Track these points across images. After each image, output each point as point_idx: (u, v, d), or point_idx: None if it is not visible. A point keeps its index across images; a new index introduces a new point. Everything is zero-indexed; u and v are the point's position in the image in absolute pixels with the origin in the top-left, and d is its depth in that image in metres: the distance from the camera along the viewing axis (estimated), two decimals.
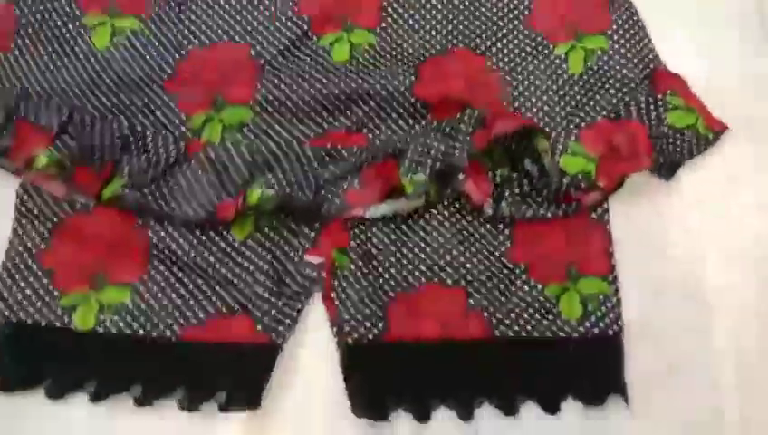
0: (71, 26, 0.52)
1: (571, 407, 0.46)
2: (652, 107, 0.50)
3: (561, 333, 0.47)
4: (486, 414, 0.46)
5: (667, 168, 0.51)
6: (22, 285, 0.46)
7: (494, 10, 0.54)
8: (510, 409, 0.45)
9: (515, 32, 0.54)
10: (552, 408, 0.46)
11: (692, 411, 0.46)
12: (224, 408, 0.43)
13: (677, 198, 0.51)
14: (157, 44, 0.52)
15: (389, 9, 0.54)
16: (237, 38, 0.52)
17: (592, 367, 0.47)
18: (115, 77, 0.51)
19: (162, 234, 0.47)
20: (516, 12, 0.54)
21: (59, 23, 0.52)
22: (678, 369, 0.47)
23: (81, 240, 0.47)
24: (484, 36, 0.53)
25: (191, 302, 0.46)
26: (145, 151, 0.48)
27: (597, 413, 0.46)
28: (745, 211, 0.51)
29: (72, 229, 0.48)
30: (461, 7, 0.54)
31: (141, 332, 0.46)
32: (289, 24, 0.53)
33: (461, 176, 0.46)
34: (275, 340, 0.45)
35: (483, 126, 0.47)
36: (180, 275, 0.47)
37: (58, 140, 0.46)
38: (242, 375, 0.44)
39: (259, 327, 0.45)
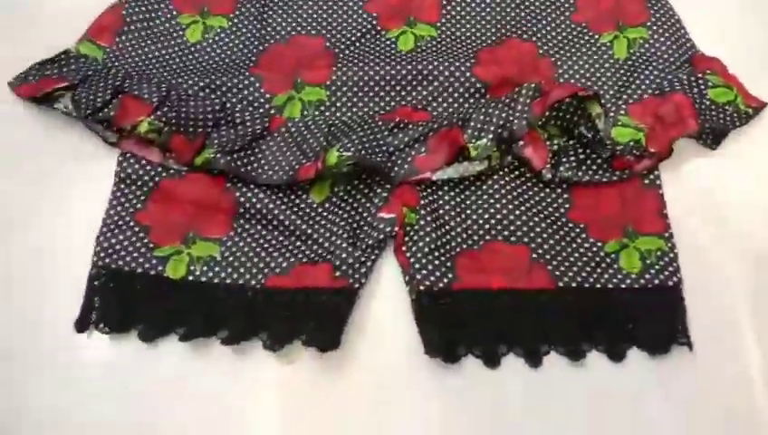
0: (167, 24, 0.59)
1: (635, 355, 0.48)
2: (694, 84, 0.54)
3: (622, 285, 0.49)
4: (553, 361, 0.48)
5: (713, 136, 0.55)
6: (120, 238, 0.50)
7: (543, 6, 0.60)
8: (576, 356, 0.47)
9: (562, 24, 0.59)
10: (617, 356, 0.48)
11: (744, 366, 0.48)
12: (306, 344, 0.46)
13: (724, 164, 0.55)
14: (242, 39, 0.59)
15: (448, 6, 0.60)
16: (313, 32, 0.59)
17: (655, 317, 0.49)
18: (206, 64, 0.57)
19: (249, 195, 0.52)
20: (563, 8, 0.60)
21: (158, 21, 0.59)
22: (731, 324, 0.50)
23: (174, 201, 0.52)
24: (534, 28, 0.59)
25: (275, 254, 0.50)
26: (233, 125, 0.53)
27: (661, 362, 0.48)
28: None
29: (165, 192, 0.52)
30: (512, 4, 0.60)
31: (228, 281, 0.49)
32: (359, 19, 0.59)
33: (521, 143, 0.51)
34: (353, 284, 0.48)
35: (540, 96, 0.51)
36: (264, 232, 0.51)
37: (157, 112, 0.52)
38: (322, 317, 0.47)
39: (338, 273, 0.49)
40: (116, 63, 0.56)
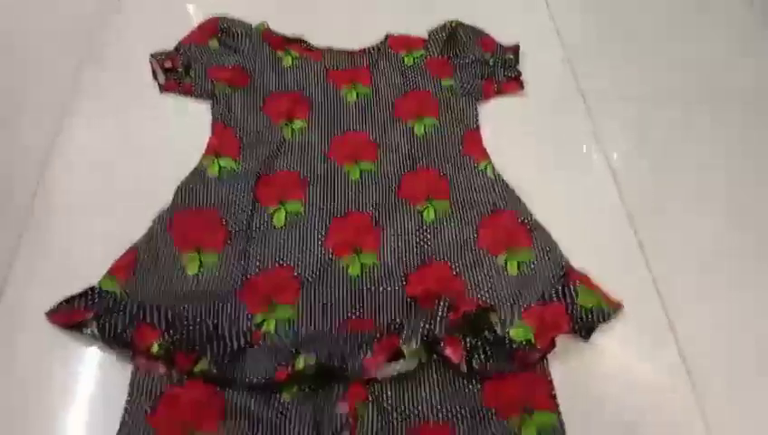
0: (172, 262, 0.76)
1: None
2: (567, 293, 0.74)
3: None
4: None
5: (585, 332, 0.73)
6: None
7: (454, 236, 0.81)
8: None
9: (469, 249, 0.79)
10: None
11: None
12: None
13: (595, 351, 0.73)
14: (229, 271, 0.76)
15: (384, 241, 0.80)
16: (284, 264, 0.77)
17: None
18: (201, 293, 0.74)
19: (235, 396, 0.67)
20: (469, 236, 0.81)
21: (163, 260, 0.76)
22: None
23: (176, 405, 0.66)
24: (449, 254, 0.78)
25: None
26: (223, 341, 0.70)
27: None
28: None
29: (170, 397, 0.67)
30: (430, 236, 0.80)
31: None
32: (318, 253, 0.78)
33: (441, 344, 0.68)
34: None
35: (453, 309, 0.70)
36: (246, 424, 0.65)
37: (165, 335, 0.68)
38: None
39: None
40: (131, 295, 0.73)
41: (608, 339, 0.74)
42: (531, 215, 0.82)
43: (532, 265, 0.78)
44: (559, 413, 0.67)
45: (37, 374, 0.69)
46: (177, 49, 0.98)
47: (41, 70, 0.97)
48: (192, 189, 0.83)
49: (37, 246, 0.79)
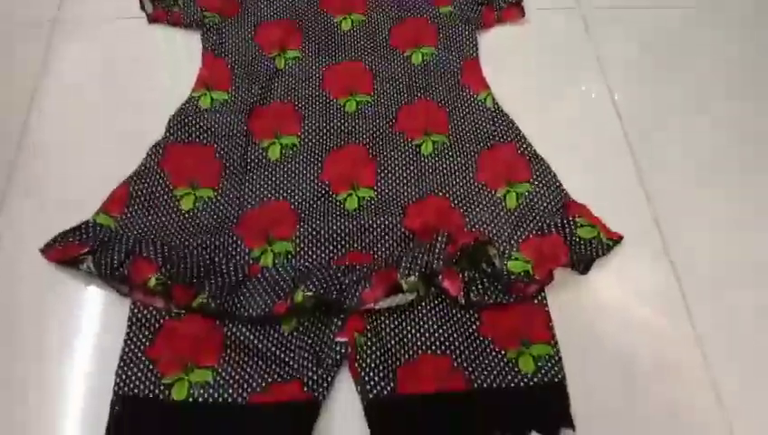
0: (166, 196, 0.75)
1: None
2: (566, 226, 0.73)
3: (521, 383, 0.65)
4: None
5: (583, 266, 0.73)
6: (134, 370, 0.64)
7: (453, 169, 0.79)
8: None
9: (468, 183, 0.78)
10: None
11: None
12: None
13: (591, 285, 0.73)
14: (225, 206, 0.75)
15: (382, 174, 0.79)
16: (280, 198, 0.76)
17: (546, 407, 0.65)
18: (198, 227, 0.73)
19: (234, 330, 0.67)
20: (467, 170, 0.79)
21: (157, 194, 0.75)
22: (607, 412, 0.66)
23: (175, 338, 0.66)
24: (447, 187, 0.77)
25: (255, 376, 0.64)
26: (220, 275, 0.69)
27: None
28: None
29: (169, 331, 0.67)
30: (430, 170, 0.79)
31: (220, 400, 0.63)
32: (316, 187, 0.77)
33: (440, 277, 0.68)
34: (317, 397, 0.63)
35: (451, 242, 0.69)
36: (246, 358, 0.66)
37: (162, 269, 0.67)
38: (294, 424, 0.62)
39: (305, 389, 0.63)
40: (126, 230, 0.72)
41: (605, 273, 0.74)
42: (530, 146, 0.81)
43: (531, 198, 0.77)
44: (556, 344, 0.68)
45: (37, 313, 0.69)
46: None
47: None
48: (184, 122, 0.81)
49: (28, 185, 0.78)
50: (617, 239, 0.74)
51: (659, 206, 0.80)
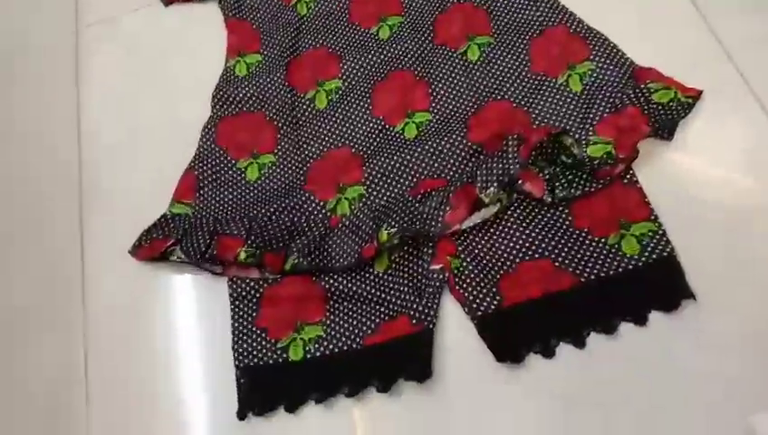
0: (231, 172, 0.76)
1: (654, 317, 0.62)
2: (640, 94, 0.69)
3: (630, 266, 0.63)
4: (593, 339, 0.62)
5: (666, 131, 0.68)
6: (249, 341, 0.66)
7: (505, 68, 0.75)
8: (611, 329, 0.61)
9: (525, 78, 0.74)
10: (642, 320, 0.61)
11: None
12: (407, 380, 0.61)
13: (681, 149, 0.68)
14: (289, 166, 0.75)
15: (433, 93, 0.76)
16: (340, 145, 0.75)
17: (661, 283, 0.62)
18: (269, 193, 0.74)
19: (332, 281, 0.67)
20: (522, 64, 0.75)
21: (223, 172, 0.76)
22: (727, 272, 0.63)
23: (279, 302, 0.68)
24: (504, 88, 0.74)
25: (363, 319, 0.65)
26: (304, 233, 0.70)
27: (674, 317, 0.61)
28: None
29: (270, 297, 0.68)
30: (482, 74, 0.76)
31: (336, 350, 0.65)
32: (371, 124, 0.75)
33: (520, 181, 0.65)
34: (428, 325, 0.63)
35: (523, 143, 0.66)
36: (351, 305, 0.66)
37: (248, 241, 0.68)
38: (413, 356, 0.62)
39: (414, 321, 0.64)
40: (203, 213, 0.73)
41: (693, 133, 0.69)
42: (582, 22, 0.75)
43: (596, 76, 0.72)
44: (657, 219, 0.64)
45: (143, 312, 0.72)
46: None
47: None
48: (227, 95, 0.80)
49: (100, 197, 0.80)
50: (696, 96, 0.69)
51: (734, 49, 0.73)
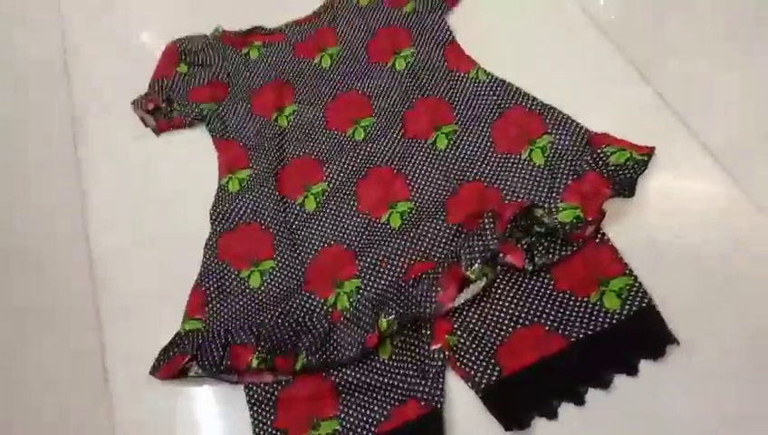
0: (235, 282, 0.81)
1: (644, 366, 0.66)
2: (597, 159, 0.75)
3: (613, 321, 0.67)
4: (591, 394, 0.66)
5: (627, 190, 0.74)
6: None
7: (472, 152, 0.82)
8: (605, 384, 0.65)
9: (491, 158, 0.81)
10: (633, 371, 0.65)
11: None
12: None
13: (643, 204, 0.75)
14: (289, 269, 0.80)
15: (412, 183, 0.82)
16: (333, 243, 0.81)
17: (645, 333, 0.67)
18: (272, 300, 0.79)
19: (341, 375, 0.72)
20: (486, 148, 0.82)
21: (227, 283, 0.81)
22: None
23: (294, 402, 0.72)
24: (475, 170, 0.80)
25: (376, 407, 0.69)
26: (309, 333, 0.74)
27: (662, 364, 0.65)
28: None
29: (285, 399, 0.72)
30: (452, 161, 0.82)
31: None
32: (358, 220, 0.81)
33: (501, 255, 0.71)
34: (436, 405, 0.67)
35: (498, 219, 0.72)
36: (362, 396, 0.70)
37: (258, 348, 0.73)
38: None
39: (422, 403, 0.67)
40: (214, 326, 0.78)
41: (652, 185, 0.75)
42: (536, 100, 0.83)
43: (555, 147, 0.79)
44: (632, 272, 0.69)
45: (171, 425, 0.76)
46: (151, 87, 1.00)
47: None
48: (224, 211, 0.86)
49: (115, 317, 0.84)
50: (650, 153, 0.75)
51: (676, 102, 0.80)
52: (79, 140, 1.00)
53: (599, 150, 0.76)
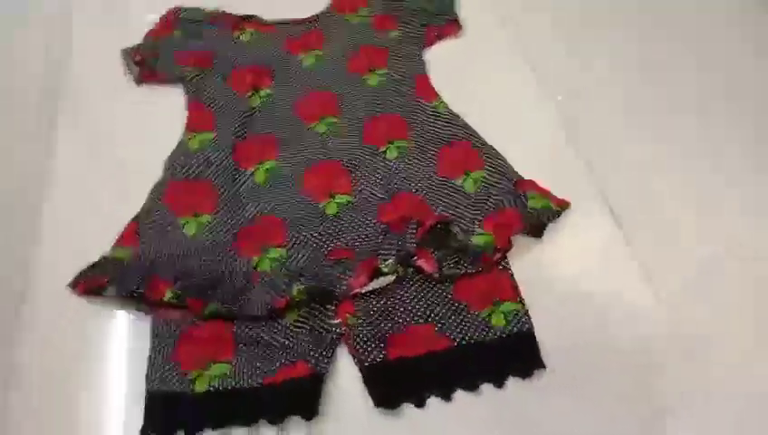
0: (170, 227, 0.85)
1: (511, 381, 0.74)
2: (518, 200, 0.84)
3: (495, 336, 0.75)
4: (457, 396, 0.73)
5: (536, 231, 0.84)
6: (162, 370, 0.74)
7: (416, 168, 0.90)
8: (473, 387, 0.73)
9: (431, 178, 0.88)
10: (500, 383, 0.73)
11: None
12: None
13: (546, 247, 0.84)
14: (223, 227, 0.86)
15: (355, 179, 0.89)
16: (268, 212, 0.87)
17: (519, 354, 0.75)
18: (202, 249, 0.84)
19: (243, 328, 0.77)
20: (429, 167, 0.91)
21: (163, 223, 0.86)
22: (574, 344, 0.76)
23: (193, 341, 0.76)
24: (411, 183, 0.88)
25: (266, 362, 0.74)
26: (225, 285, 0.80)
27: (527, 383, 0.73)
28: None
29: (187, 336, 0.77)
30: (395, 170, 0.90)
31: (237, 386, 0.73)
32: (298, 200, 0.88)
33: (415, 257, 0.79)
34: (320, 371, 0.73)
35: (420, 226, 0.80)
36: (256, 350, 0.76)
37: (175, 285, 0.78)
38: (303, 395, 0.71)
39: (309, 366, 0.73)
40: (141, 257, 0.83)
41: (558, 234, 0.85)
42: (481, 139, 0.92)
43: (487, 182, 0.88)
44: (522, 300, 0.78)
45: (80, 339, 0.79)
46: (144, 42, 1.07)
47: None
48: (178, 163, 0.92)
49: (48, 236, 0.88)
50: (564, 205, 0.85)
51: (598, 170, 0.92)
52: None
53: (522, 193, 0.85)
